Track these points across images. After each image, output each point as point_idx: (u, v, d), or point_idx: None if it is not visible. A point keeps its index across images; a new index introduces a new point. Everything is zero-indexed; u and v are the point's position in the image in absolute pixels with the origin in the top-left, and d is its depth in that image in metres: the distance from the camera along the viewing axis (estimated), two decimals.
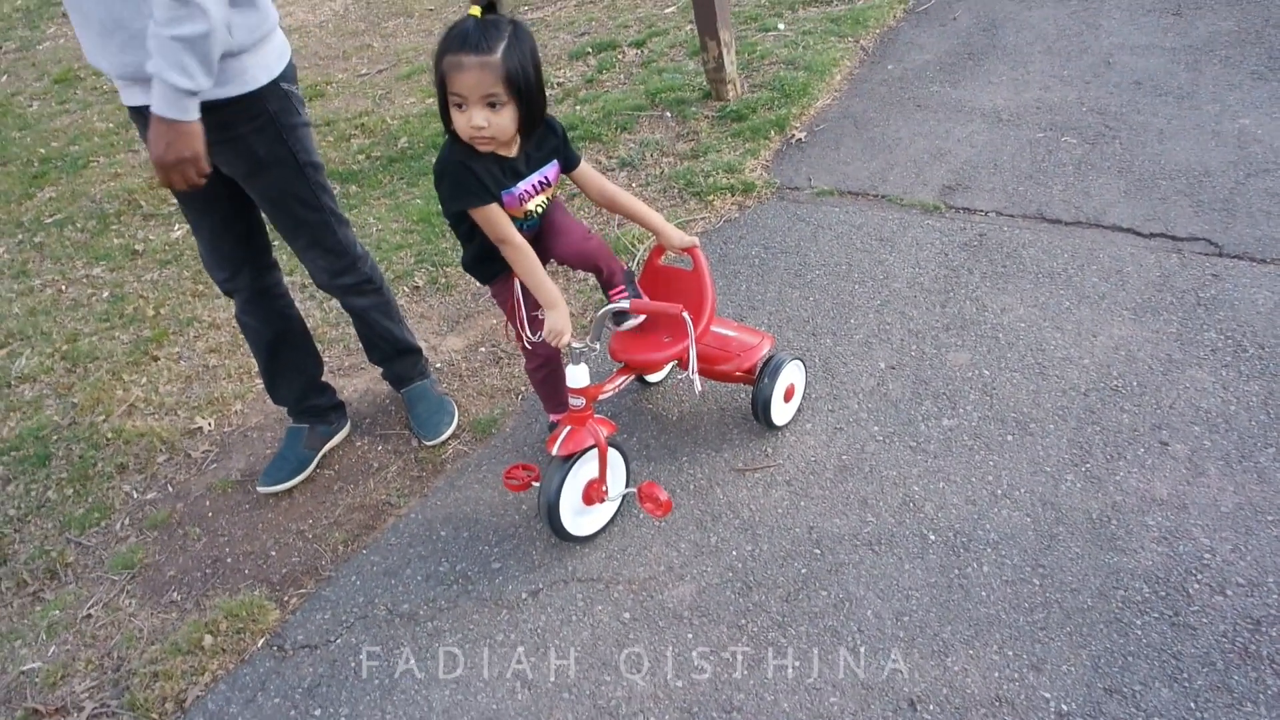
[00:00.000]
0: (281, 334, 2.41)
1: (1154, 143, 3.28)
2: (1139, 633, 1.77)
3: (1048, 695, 1.70)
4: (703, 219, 3.33)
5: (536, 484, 2.14)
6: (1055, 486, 2.09)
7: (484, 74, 1.70)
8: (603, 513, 2.17)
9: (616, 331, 2.27)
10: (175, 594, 2.28)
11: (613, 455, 2.12)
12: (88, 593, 2.32)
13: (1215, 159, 3.12)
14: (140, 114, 1.98)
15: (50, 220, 4.37)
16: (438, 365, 2.87)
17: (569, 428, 2.02)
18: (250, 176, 2.10)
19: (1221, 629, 1.75)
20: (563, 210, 2.08)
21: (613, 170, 3.78)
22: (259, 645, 2.09)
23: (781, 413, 2.34)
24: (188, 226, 4.02)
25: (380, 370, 2.68)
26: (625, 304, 2.03)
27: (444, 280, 3.30)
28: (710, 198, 3.42)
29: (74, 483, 2.68)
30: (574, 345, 1.99)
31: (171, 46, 1.72)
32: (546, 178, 1.94)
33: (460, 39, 1.71)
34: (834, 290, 2.85)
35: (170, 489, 2.62)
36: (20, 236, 4.27)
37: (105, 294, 3.65)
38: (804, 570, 2.01)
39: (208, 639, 2.11)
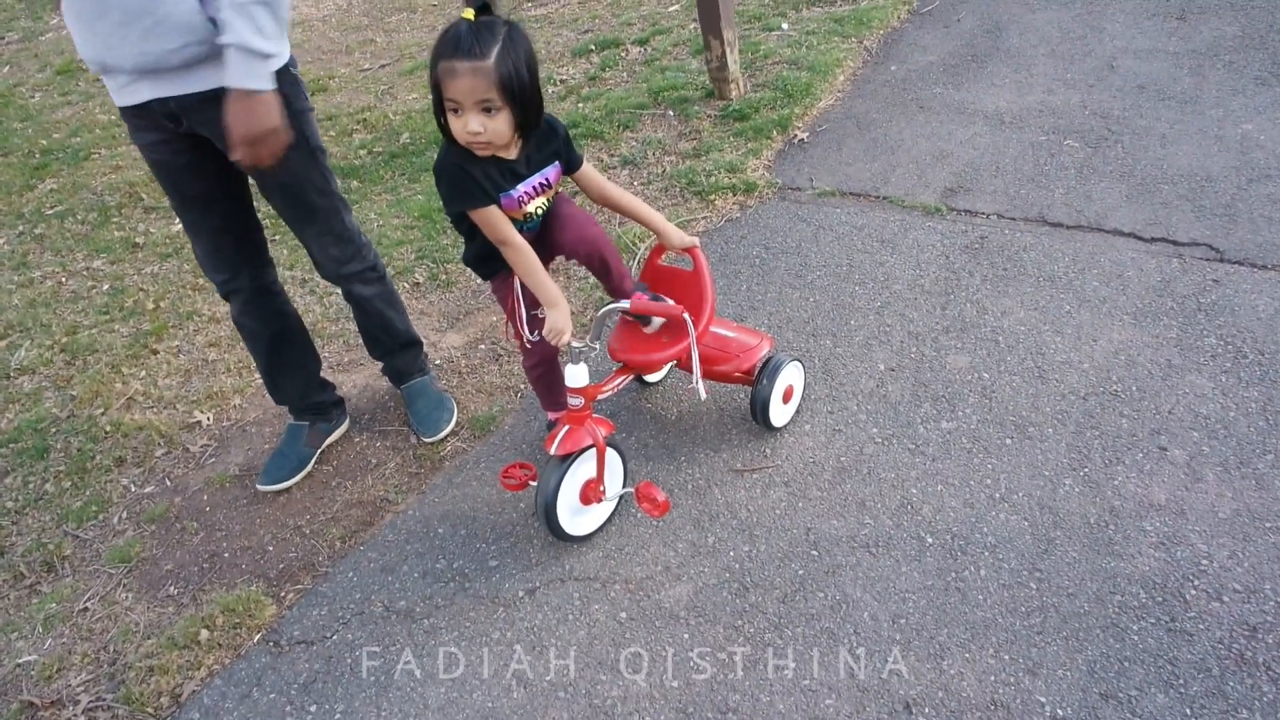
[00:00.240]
0: (281, 332, 2.41)
1: (1156, 147, 3.28)
2: (1135, 638, 1.77)
3: (1043, 699, 1.70)
4: (704, 218, 3.33)
5: (533, 483, 2.14)
6: (1053, 491, 2.09)
7: (478, 80, 1.69)
8: (600, 512, 2.17)
9: (616, 331, 2.27)
10: (172, 588, 2.28)
11: (611, 455, 2.12)
12: (84, 586, 2.32)
13: (1217, 164, 3.12)
14: (142, 111, 1.97)
15: (51, 212, 4.37)
16: (437, 362, 2.87)
17: (567, 427, 2.02)
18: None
19: (1218, 635, 1.75)
20: (567, 202, 2.06)
21: (614, 168, 3.77)
22: (255, 641, 2.09)
23: (780, 414, 2.34)
24: None
25: (380, 366, 2.67)
26: (625, 304, 2.02)
27: (444, 277, 3.30)
28: (712, 197, 3.41)
29: (72, 475, 2.68)
30: (574, 344, 1.99)
31: (251, 10, 1.75)
32: (547, 180, 1.93)
33: (454, 44, 1.69)
34: (834, 291, 2.85)
35: (168, 483, 2.62)
36: (21, 228, 4.27)
37: (105, 287, 3.65)
38: (801, 571, 2.01)
39: (204, 634, 2.11)
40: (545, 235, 2.04)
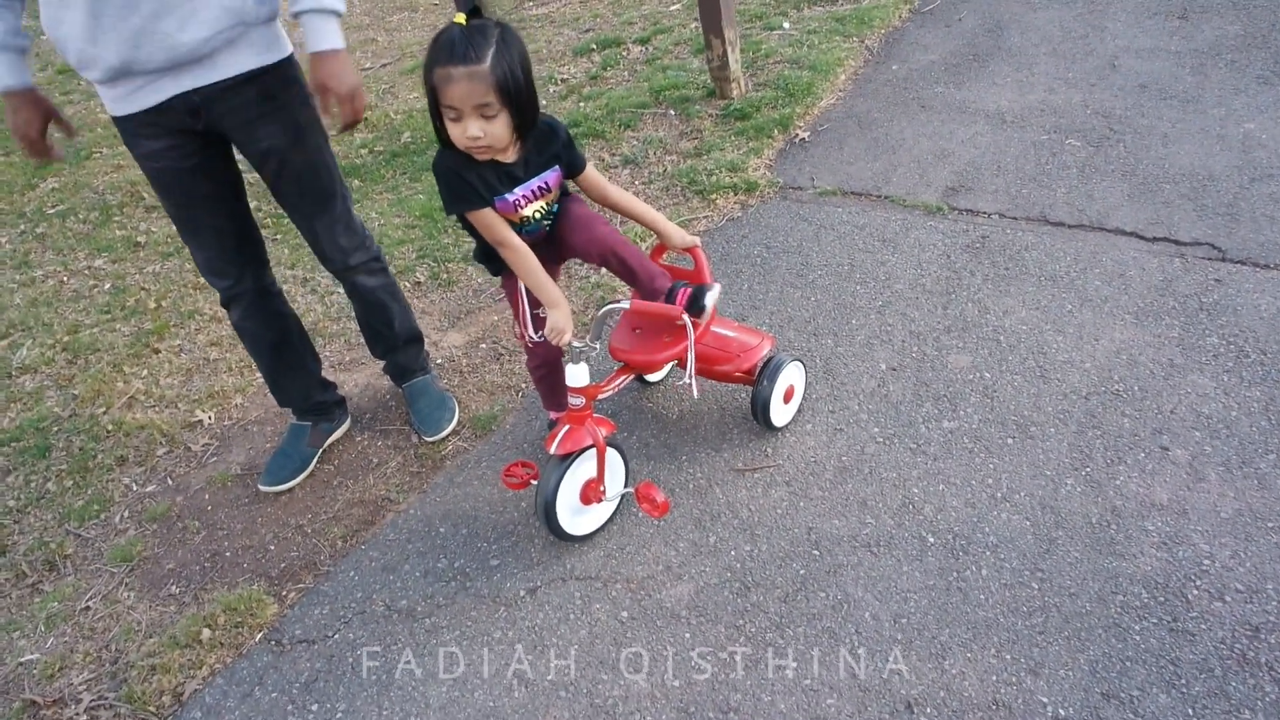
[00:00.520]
0: (282, 333, 2.41)
1: (1158, 146, 3.28)
2: (1137, 638, 1.77)
3: (1045, 699, 1.70)
4: (705, 218, 3.33)
5: (535, 482, 2.14)
6: (1055, 490, 2.09)
7: (475, 85, 1.68)
8: (600, 512, 2.17)
9: (617, 330, 2.26)
10: (174, 587, 2.28)
11: (611, 455, 2.11)
12: (86, 585, 2.32)
13: (1220, 163, 3.12)
14: (157, 113, 1.95)
15: (53, 211, 4.37)
16: (438, 361, 2.87)
17: (568, 427, 2.02)
18: (293, 145, 2.10)
19: (1220, 635, 1.75)
20: (578, 204, 2.04)
21: (615, 168, 3.77)
22: (257, 640, 2.09)
23: (781, 414, 2.34)
24: None
25: (382, 364, 2.67)
26: (625, 304, 2.02)
27: (445, 276, 3.30)
28: (713, 196, 3.41)
29: (74, 474, 2.68)
30: (574, 344, 1.99)
31: None
32: (546, 183, 1.92)
33: (448, 49, 1.69)
34: (836, 291, 2.84)
35: (170, 482, 2.62)
36: (23, 227, 4.27)
37: (107, 286, 3.65)
38: (802, 571, 2.01)
39: (205, 633, 2.11)
40: (556, 237, 2.03)
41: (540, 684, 1.88)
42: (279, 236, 3.74)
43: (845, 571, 1.99)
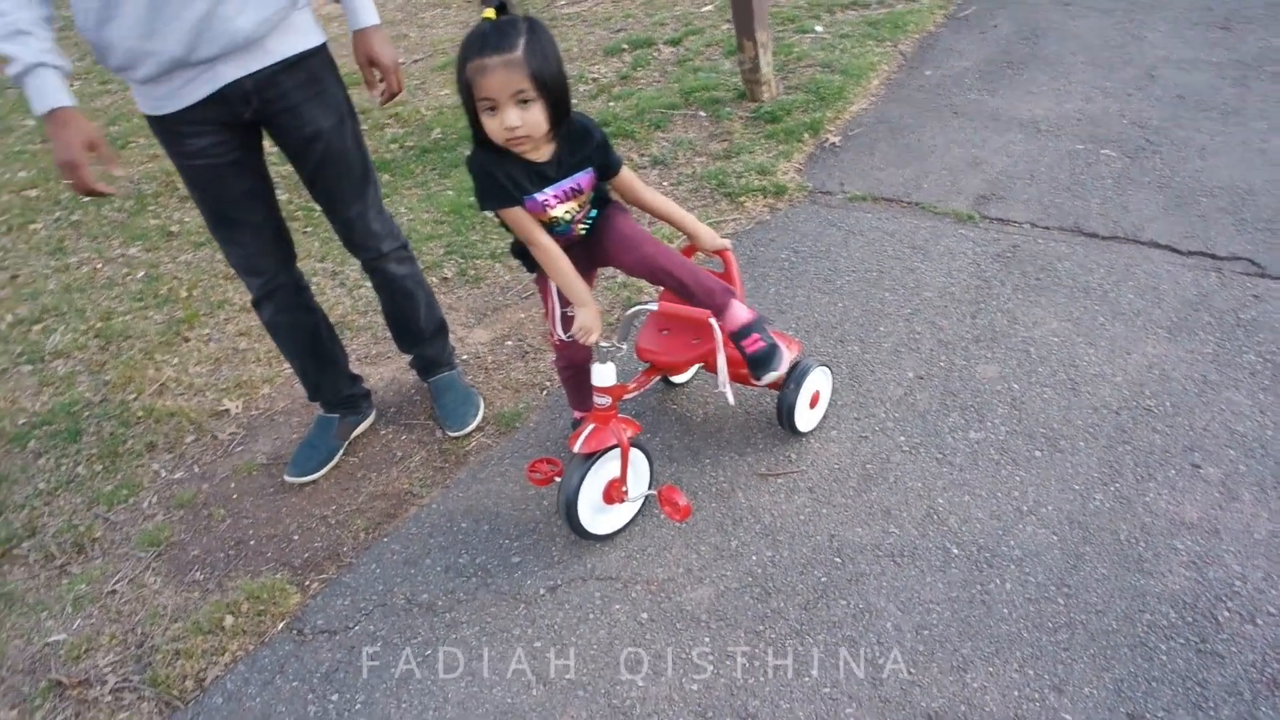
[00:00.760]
0: (314, 328, 2.43)
1: (1196, 158, 3.23)
2: (1164, 658, 1.74)
3: (1068, 717, 1.68)
4: (733, 220, 3.32)
5: (559, 479, 2.14)
6: (1083, 505, 2.06)
7: (510, 72, 1.69)
8: (623, 513, 2.17)
9: (644, 331, 2.26)
10: (198, 573, 2.30)
11: (636, 456, 2.11)
12: (114, 568, 2.35)
13: (1260, 177, 3.07)
14: (205, 105, 1.95)
15: (88, 199, 4.43)
16: (464, 357, 2.88)
17: (592, 426, 2.03)
18: (337, 129, 2.13)
19: (1250, 658, 1.72)
20: (623, 219, 2.04)
21: (644, 168, 3.77)
22: (279, 628, 2.11)
23: (806, 419, 2.32)
24: None
25: (409, 359, 2.68)
26: (653, 305, 2.02)
27: (473, 272, 3.31)
28: (741, 199, 3.40)
29: (104, 459, 2.72)
30: (601, 344, 1.99)
31: None
32: (578, 185, 1.91)
33: (480, 42, 1.71)
34: (864, 297, 2.83)
35: (197, 469, 2.65)
36: (58, 214, 4.34)
37: (140, 274, 3.70)
38: (824, 579, 2.00)
39: (229, 619, 2.13)
40: (597, 246, 2.03)
41: (558, 682, 1.88)
42: (309, 229, 3.77)
43: (867, 580, 1.98)
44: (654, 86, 4.46)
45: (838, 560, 2.04)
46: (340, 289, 3.35)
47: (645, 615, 1.99)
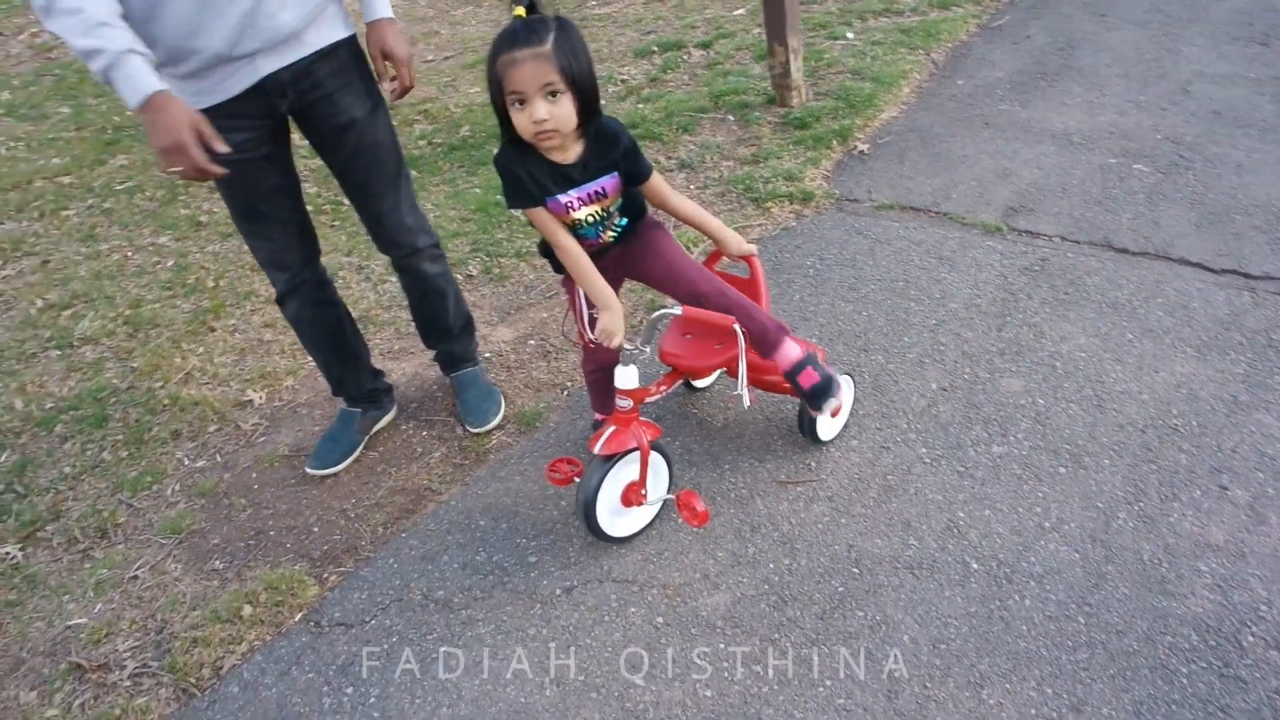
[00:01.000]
0: (338, 322, 2.44)
1: (1231, 175, 3.19)
2: (1185, 681, 1.72)
3: None
4: (759, 225, 3.31)
5: (578, 479, 2.15)
6: (1106, 523, 2.04)
7: (539, 64, 1.71)
8: (641, 516, 2.17)
9: (667, 335, 2.26)
10: (218, 562, 2.32)
11: (656, 460, 2.11)
12: (136, 554, 2.37)
13: None
14: (242, 100, 1.97)
15: (120, 187, 4.49)
16: (486, 355, 2.89)
17: (613, 428, 2.02)
18: (370, 118, 2.14)
19: (1275, 685, 1.69)
20: (664, 238, 2.05)
21: (671, 171, 3.77)
22: (296, 620, 2.12)
23: (828, 427, 2.31)
24: None
25: (433, 354, 2.68)
26: (677, 310, 2.01)
27: (498, 270, 3.32)
28: (768, 204, 3.39)
29: (129, 445, 2.75)
30: (625, 347, 1.99)
31: None
32: (602, 189, 1.90)
33: (510, 38, 1.73)
34: (889, 306, 2.81)
35: (219, 458, 2.67)
36: (91, 201, 4.39)
37: (169, 263, 3.74)
38: (841, 589, 1.99)
39: (247, 609, 2.15)
40: (631, 260, 2.04)
41: (572, 683, 1.88)
42: (336, 223, 3.79)
43: (885, 592, 1.97)
44: (683, 89, 4.46)
45: (856, 571, 2.02)
46: (365, 283, 3.37)
47: (660, 619, 1.98)
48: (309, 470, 2.52)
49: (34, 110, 5.70)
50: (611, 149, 1.88)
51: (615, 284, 2.01)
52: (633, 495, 2.09)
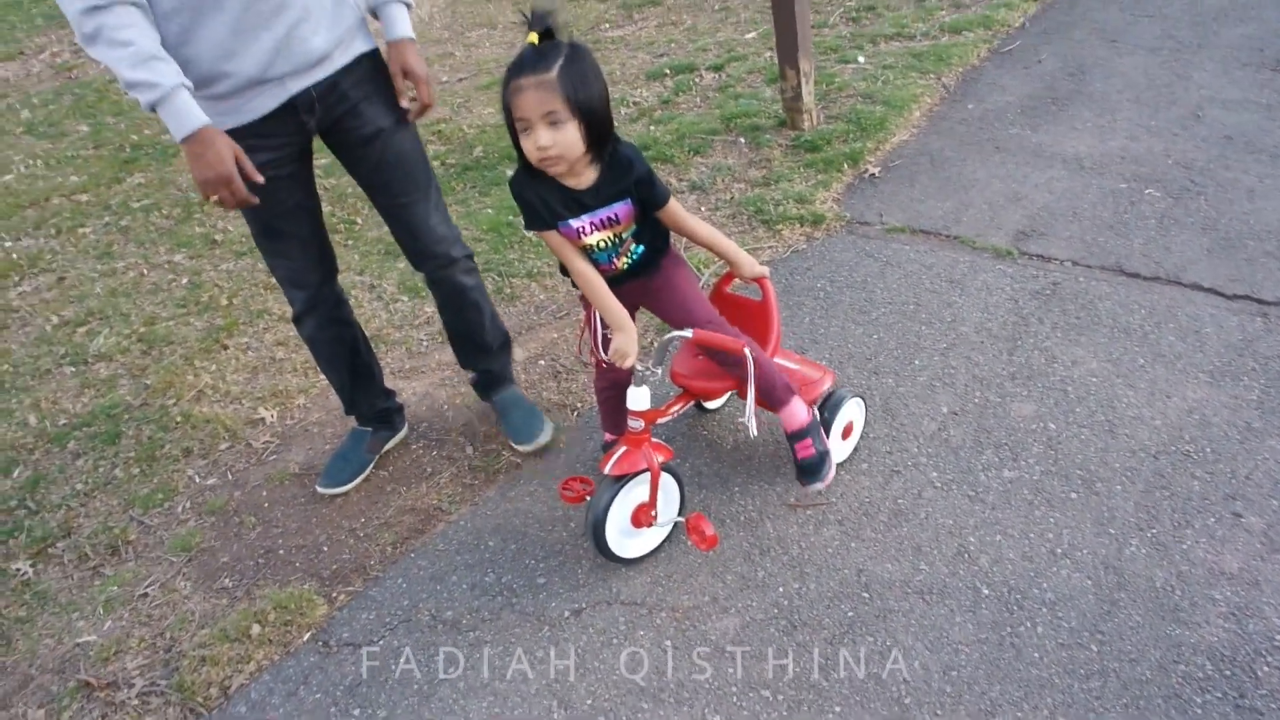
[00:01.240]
0: (354, 342, 2.45)
1: (1243, 201, 3.18)
2: (1199, 711, 1.70)
3: None
4: (770, 248, 3.32)
5: (590, 499, 2.14)
6: (1119, 550, 2.03)
7: (541, 92, 1.72)
8: (651, 537, 2.17)
9: (679, 356, 2.26)
10: (227, 580, 2.33)
11: (667, 482, 2.11)
12: (146, 572, 2.38)
13: None
14: (270, 119, 1.99)
15: (137, 205, 4.54)
16: None
17: (624, 449, 2.03)
18: (397, 127, 2.16)
19: None
20: (684, 274, 2.06)
21: (683, 193, 3.79)
22: (304, 639, 2.12)
23: (838, 450, 2.31)
24: None
25: (471, 377, 2.64)
26: (688, 333, 2.01)
27: (509, 290, 3.33)
28: (779, 227, 3.40)
29: (141, 462, 2.76)
30: (637, 368, 1.99)
31: None
32: (615, 215, 1.90)
33: (519, 65, 1.75)
34: (899, 329, 2.81)
35: (230, 476, 2.68)
36: (107, 219, 4.44)
37: (184, 280, 3.77)
38: (851, 613, 1.98)
39: (255, 628, 2.15)
40: (648, 294, 2.05)
41: (580, 706, 1.87)
42: (350, 242, 3.83)
43: (895, 617, 1.96)
44: (695, 112, 4.49)
45: (865, 595, 2.01)
46: (377, 302, 3.39)
47: (669, 643, 1.98)
48: (319, 489, 2.53)
49: (53, 128, 5.77)
50: (625, 176, 1.88)
51: (630, 309, 2.02)
52: (643, 516, 2.09)
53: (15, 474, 2.79)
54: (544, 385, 2.84)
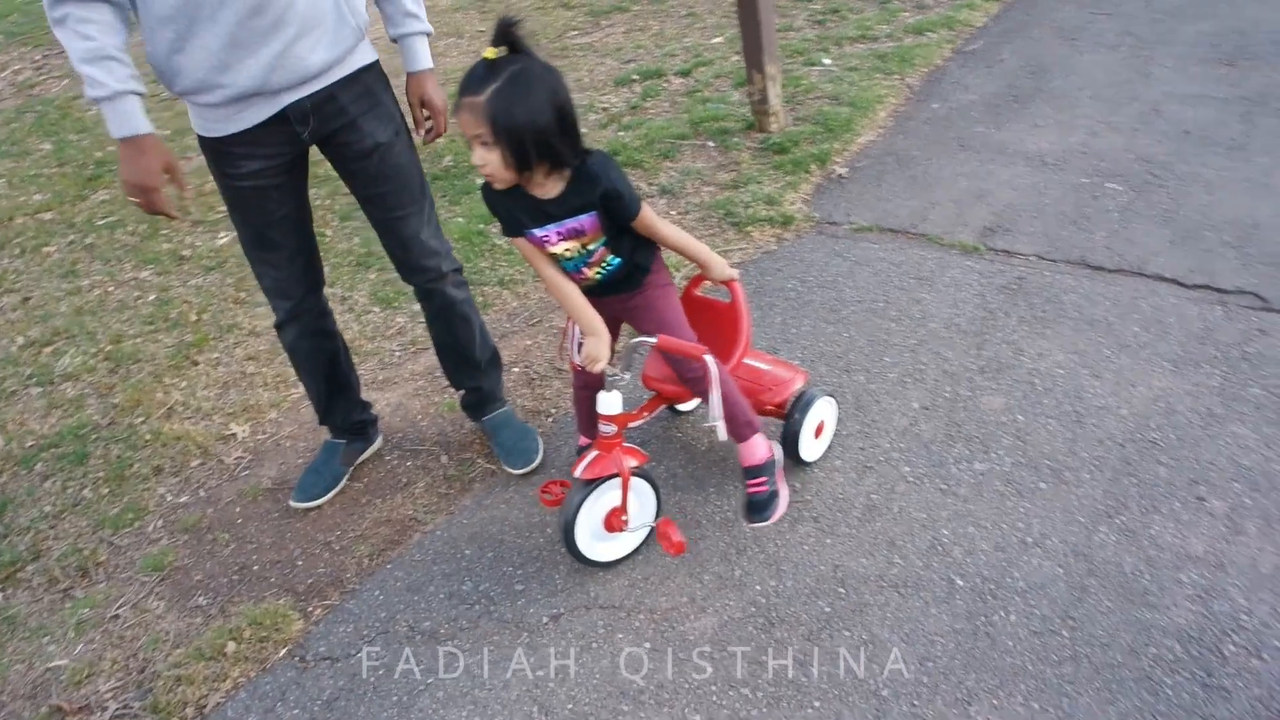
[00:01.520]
0: (334, 353, 2.44)
1: (1201, 193, 3.24)
2: (1169, 692, 1.73)
3: None
4: (740, 250, 3.34)
5: None
6: (1088, 537, 2.06)
7: (472, 114, 1.74)
8: (627, 541, 2.17)
9: (650, 359, 2.27)
10: (202, 598, 2.30)
11: (641, 485, 2.11)
12: (117, 593, 2.35)
13: (1265, 212, 3.08)
14: (264, 128, 1.99)
15: (102, 222, 4.48)
16: None
17: (596, 452, 2.03)
18: (394, 140, 2.15)
19: (1256, 693, 1.70)
20: (668, 301, 2.04)
21: (653, 197, 3.80)
22: (281, 655, 2.11)
23: (811, 449, 2.32)
24: (233, 234, 4.11)
25: (460, 396, 2.61)
26: (653, 340, 2.01)
27: (481, 299, 3.33)
28: (749, 229, 3.43)
29: (110, 482, 2.73)
30: (608, 372, 2.00)
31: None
32: (580, 226, 1.89)
33: (464, 82, 1.76)
34: (869, 327, 2.84)
35: (202, 493, 2.66)
36: (72, 237, 4.38)
37: (151, 297, 3.73)
38: (828, 609, 1.99)
39: (231, 646, 2.13)
40: (628, 313, 2.05)
41: (560, 711, 1.87)
42: (321, 252, 3.79)
43: (871, 611, 1.97)
44: (663, 116, 4.51)
45: (841, 591, 2.03)
46: (349, 314, 3.37)
47: (648, 644, 1.98)
48: (292, 504, 2.51)
49: (15, 147, 5.70)
50: (590, 190, 1.85)
51: (611, 323, 2.01)
52: (615, 521, 2.09)
53: None
54: (518, 392, 2.84)
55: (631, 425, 2.11)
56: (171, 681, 2.06)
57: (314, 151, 2.16)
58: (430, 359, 3.04)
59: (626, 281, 2.02)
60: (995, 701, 1.76)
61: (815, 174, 3.76)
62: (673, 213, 3.66)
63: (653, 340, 1.98)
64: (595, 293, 2.02)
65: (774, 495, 2.16)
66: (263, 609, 2.21)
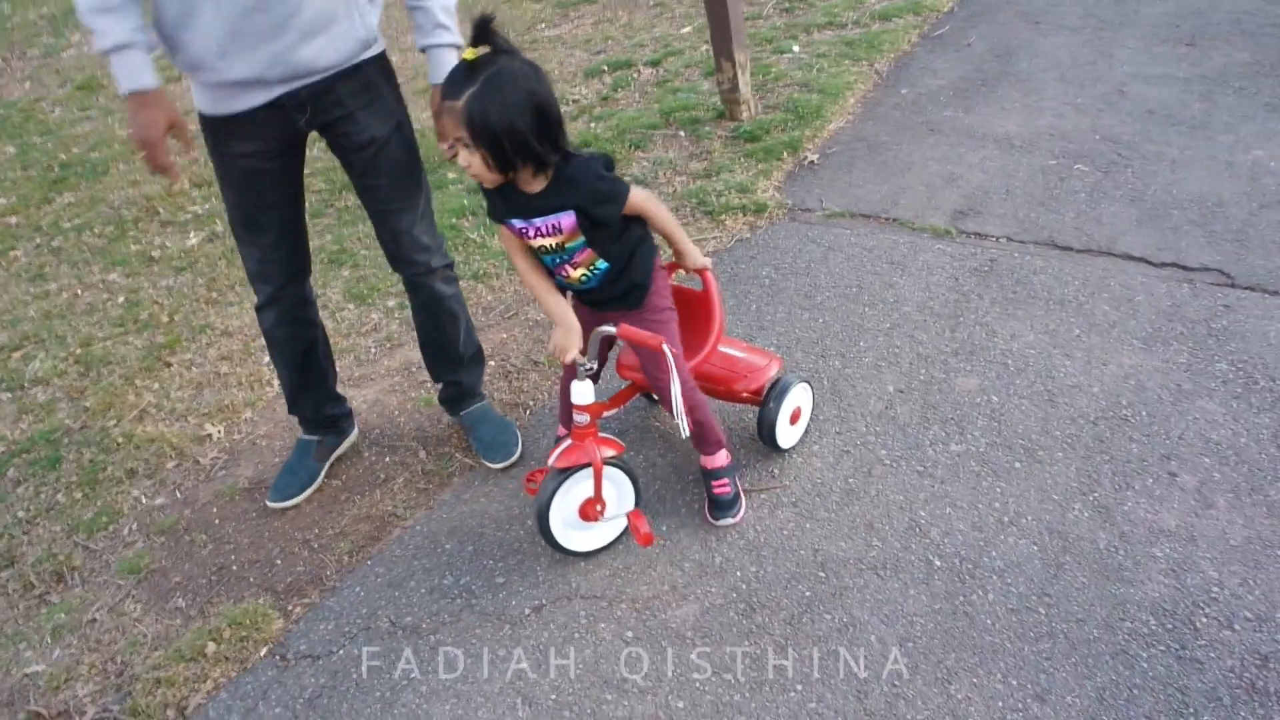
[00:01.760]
0: (311, 343, 2.41)
1: (1166, 172, 3.29)
2: (1145, 665, 1.76)
3: None
4: (714, 238, 3.35)
5: None
6: (1063, 515, 2.08)
7: (451, 119, 1.76)
8: (603, 531, 2.17)
9: (624, 348, 2.28)
10: (180, 600, 2.29)
11: (618, 476, 2.12)
12: (94, 597, 2.33)
13: (1228, 190, 3.13)
14: (260, 112, 1.98)
15: (69, 225, 4.42)
16: None
17: (569, 441, 2.04)
18: (393, 134, 2.14)
19: (1229, 664, 1.74)
20: (663, 330, 2.02)
21: None
22: (261, 654, 2.09)
23: (787, 435, 2.34)
24: (204, 233, 4.07)
25: (439, 389, 2.60)
26: (613, 329, 2.00)
27: None
28: (722, 217, 3.43)
29: (84, 486, 2.69)
30: (578, 362, 2.00)
31: (453, 12, 2.09)
32: (558, 224, 1.89)
33: (445, 85, 1.78)
34: (843, 312, 2.85)
35: (179, 495, 2.63)
36: (38, 240, 4.32)
37: (120, 299, 3.68)
38: (808, 593, 2.01)
39: (211, 646, 2.11)
40: (615, 319, 2.04)
41: (544, 703, 1.88)
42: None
43: (851, 594, 1.99)
44: (634, 107, 4.50)
45: (821, 574, 2.04)
46: (323, 311, 3.33)
47: (630, 633, 1.99)
48: (269, 503, 2.49)
49: None
50: (570, 191, 1.86)
51: (585, 326, 2.01)
52: (590, 510, 2.09)
53: None
54: (495, 385, 2.83)
55: (606, 415, 2.11)
56: (151, 684, 2.04)
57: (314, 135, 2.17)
58: (406, 355, 3.03)
59: (625, 298, 2.03)
60: (975, 679, 1.78)
61: (787, 161, 3.77)
62: None
63: (611, 330, 1.97)
64: (592, 304, 2.04)
65: (737, 496, 2.21)
66: (242, 609, 2.19)
